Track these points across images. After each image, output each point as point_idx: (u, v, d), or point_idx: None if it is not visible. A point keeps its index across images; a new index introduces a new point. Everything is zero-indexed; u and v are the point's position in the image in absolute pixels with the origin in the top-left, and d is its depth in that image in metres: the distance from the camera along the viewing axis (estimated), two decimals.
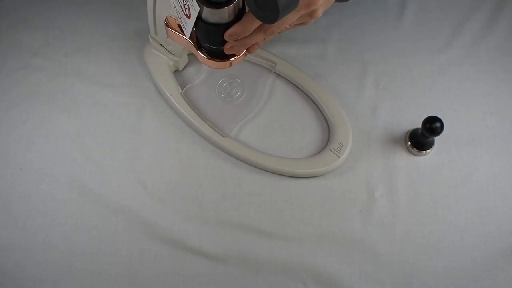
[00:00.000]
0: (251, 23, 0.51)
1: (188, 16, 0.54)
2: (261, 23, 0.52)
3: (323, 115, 0.74)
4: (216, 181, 0.70)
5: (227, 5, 0.50)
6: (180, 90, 0.73)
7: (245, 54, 0.59)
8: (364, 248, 0.66)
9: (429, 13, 0.81)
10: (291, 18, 0.52)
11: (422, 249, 0.66)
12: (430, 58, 0.78)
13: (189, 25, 0.55)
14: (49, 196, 0.69)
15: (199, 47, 0.60)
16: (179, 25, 0.61)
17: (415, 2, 0.82)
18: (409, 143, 0.71)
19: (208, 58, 0.59)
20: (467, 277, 0.65)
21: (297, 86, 0.76)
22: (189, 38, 0.60)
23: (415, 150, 0.71)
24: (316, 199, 0.69)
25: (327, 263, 0.66)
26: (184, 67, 0.77)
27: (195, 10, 0.52)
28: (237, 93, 0.75)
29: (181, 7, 0.54)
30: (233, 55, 0.58)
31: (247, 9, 0.51)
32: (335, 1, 0.57)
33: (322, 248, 0.67)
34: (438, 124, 0.66)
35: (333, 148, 0.70)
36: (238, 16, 0.52)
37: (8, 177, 0.70)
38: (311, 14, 0.53)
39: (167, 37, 0.66)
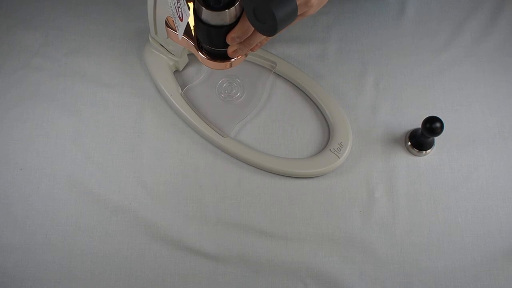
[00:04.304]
0: (249, 23, 0.51)
1: (181, 19, 0.54)
2: None
3: (323, 115, 0.74)
4: (216, 181, 0.70)
5: (228, 8, 0.50)
6: (180, 90, 0.73)
7: (245, 54, 0.59)
8: (364, 248, 0.67)
9: (429, 12, 0.81)
10: None
11: (422, 249, 0.66)
12: (430, 57, 0.78)
13: (181, 27, 0.55)
14: (49, 196, 0.69)
15: (199, 47, 0.60)
16: None
17: (415, 2, 0.82)
18: (409, 143, 0.71)
19: (209, 59, 0.59)
20: (467, 277, 0.65)
21: (297, 86, 0.75)
22: (189, 39, 0.60)
23: (415, 150, 0.71)
24: (316, 199, 0.69)
25: (327, 263, 0.66)
26: (184, 67, 0.77)
27: (186, 15, 0.52)
28: (237, 93, 0.75)
29: (175, 9, 0.54)
30: None
31: None
32: None
33: (322, 248, 0.67)
34: (438, 124, 0.66)
35: (333, 148, 0.70)
36: (240, 18, 0.52)
37: (8, 177, 0.70)
38: (306, 3, 0.52)
39: (167, 37, 0.66)
